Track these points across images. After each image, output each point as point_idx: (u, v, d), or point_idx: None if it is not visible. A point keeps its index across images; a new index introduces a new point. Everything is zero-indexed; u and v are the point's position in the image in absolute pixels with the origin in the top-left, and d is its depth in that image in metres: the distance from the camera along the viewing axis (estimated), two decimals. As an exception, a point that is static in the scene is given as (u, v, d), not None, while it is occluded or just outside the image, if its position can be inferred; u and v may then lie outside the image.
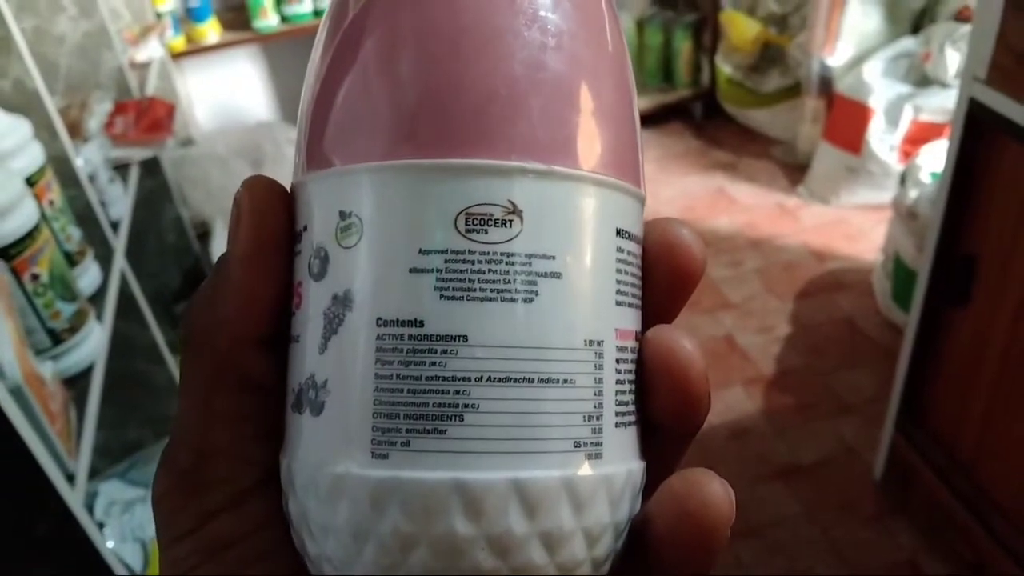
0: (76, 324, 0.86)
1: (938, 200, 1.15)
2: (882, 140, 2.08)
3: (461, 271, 0.19)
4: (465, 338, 0.18)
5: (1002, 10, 0.94)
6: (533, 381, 0.19)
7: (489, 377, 0.18)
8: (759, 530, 1.40)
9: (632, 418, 0.21)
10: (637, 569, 0.21)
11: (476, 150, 0.19)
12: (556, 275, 0.19)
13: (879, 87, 2.09)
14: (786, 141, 2.57)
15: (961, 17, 2.02)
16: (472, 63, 0.19)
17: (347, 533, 0.19)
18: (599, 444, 0.19)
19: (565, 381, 0.19)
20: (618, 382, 0.20)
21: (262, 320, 0.21)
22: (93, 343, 0.89)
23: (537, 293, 0.19)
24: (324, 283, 0.20)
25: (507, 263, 0.19)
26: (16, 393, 0.66)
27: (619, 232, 0.21)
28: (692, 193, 2.47)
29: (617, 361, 0.20)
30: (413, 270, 0.19)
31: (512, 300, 0.19)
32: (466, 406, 0.18)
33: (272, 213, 0.21)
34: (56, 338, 0.84)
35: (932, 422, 1.30)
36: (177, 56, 2.16)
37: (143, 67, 1.73)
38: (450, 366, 0.18)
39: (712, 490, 0.19)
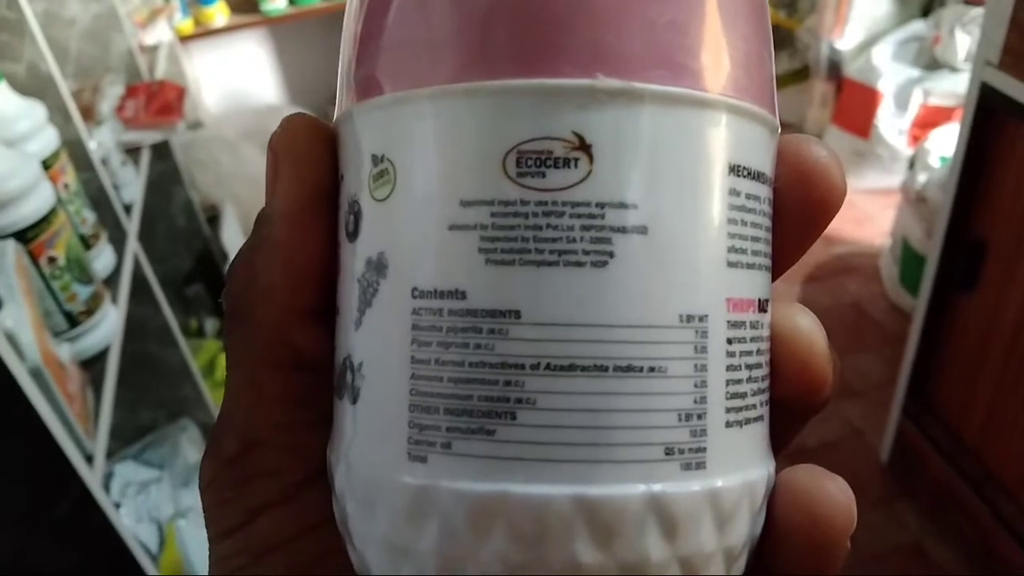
0: (92, 307, 0.87)
1: (948, 184, 1.15)
2: (891, 124, 2.08)
3: (511, 227, 0.15)
4: (517, 313, 0.15)
5: (1015, -6, 0.93)
6: (607, 369, 0.15)
7: (548, 364, 0.15)
8: (766, 512, 1.40)
9: (754, 413, 0.17)
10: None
11: (529, 68, 0.15)
12: (640, 230, 0.15)
13: (888, 71, 2.08)
14: (794, 124, 2.56)
15: (971, 0, 2.01)
16: None
17: (384, 547, 0.16)
18: (701, 450, 0.15)
19: (652, 369, 0.15)
20: (731, 368, 0.16)
21: (312, 288, 0.18)
22: (108, 325, 0.90)
23: (612, 255, 0.15)
24: (358, 244, 0.17)
25: (572, 215, 0.15)
26: (36, 375, 0.66)
27: (734, 169, 0.16)
28: (699, 177, 2.47)
29: (729, 341, 0.16)
30: (453, 227, 0.15)
31: (579, 264, 0.15)
32: (519, 401, 0.15)
33: (315, 159, 0.18)
34: (73, 320, 0.84)
35: (939, 406, 1.30)
36: (185, 39, 2.16)
37: (152, 50, 1.73)
38: (498, 349, 0.15)
39: (830, 492, 0.17)
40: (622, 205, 0.15)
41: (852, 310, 1.87)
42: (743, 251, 0.16)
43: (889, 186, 2.11)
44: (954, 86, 1.96)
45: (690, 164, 0.15)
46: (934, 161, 1.64)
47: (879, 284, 1.91)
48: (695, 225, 0.15)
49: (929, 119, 2.00)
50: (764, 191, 0.17)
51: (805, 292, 1.94)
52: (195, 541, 1.02)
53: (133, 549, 0.76)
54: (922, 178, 1.63)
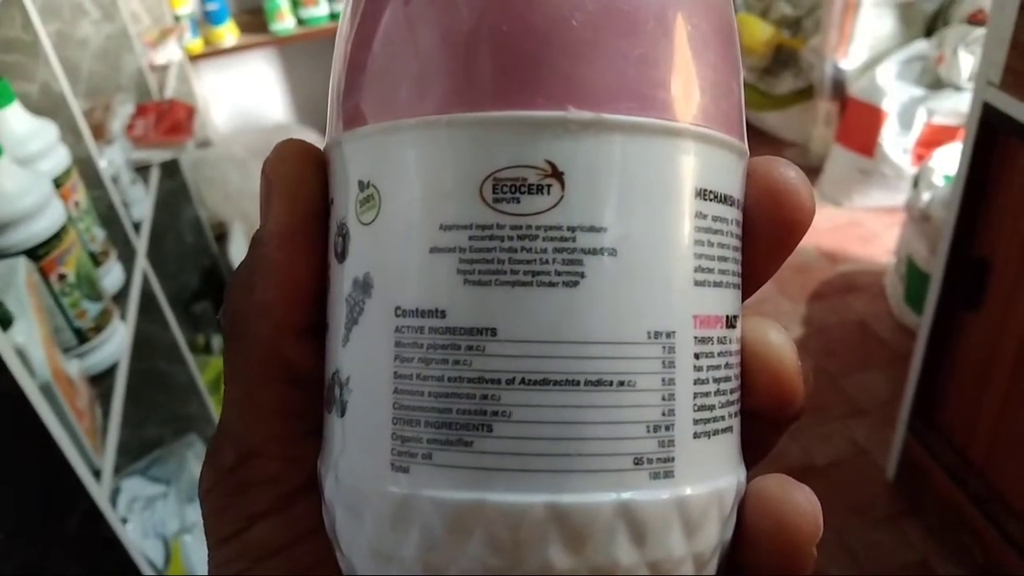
0: (101, 323, 0.87)
1: (951, 203, 1.15)
2: (895, 143, 2.08)
3: (488, 250, 0.15)
4: (493, 331, 0.15)
5: (1016, 15, 0.94)
6: (579, 384, 0.15)
7: (523, 379, 0.15)
8: (771, 531, 1.40)
9: (723, 424, 0.17)
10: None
11: (505, 101, 0.16)
12: (609, 252, 0.15)
13: (892, 90, 2.09)
14: (799, 144, 2.57)
15: (974, 20, 2.02)
16: (499, 3, 0.16)
17: (370, 553, 0.17)
18: (669, 460, 0.16)
19: (622, 383, 0.16)
20: (698, 382, 0.16)
21: (304, 305, 0.18)
22: (117, 342, 0.90)
23: (583, 275, 0.15)
24: (346, 265, 0.17)
25: (544, 239, 0.15)
26: (46, 390, 0.67)
27: (701, 193, 0.17)
28: (705, 195, 2.48)
29: (697, 356, 0.16)
30: (433, 250, 0.16)
31: (551, 284, 0.15)
32: (495, 413, 0.15)
33: (306, 183, 0.19)
34: (82, 337, 0.85)
35: (944, 424, 1.30)
36: (195, 58, 2.18)
37: (162, 69, 1.75)
38: (476, 365, 0.15)
39: (796, 499, 0.17)
40: (592, 228, 0.16)
41: (858, 328, 1.86)
42: (710, 270, 0.17)
43: (894, 204, 2.11)
44: (957, 105, 1.96)
45: (658, 190, 0.16)
46: (938, 180, 1.65)
47: (884, 302, 1.91)
48: (663, 247, 0.16)
49: (933, 138, 2.00)
50: (732, 213, 0.18)
51: (811, 310, 1.94)
52: (200, 557, 1.02)
53: (139, 564, 0.76)
54: (926, 196, 1.64)
